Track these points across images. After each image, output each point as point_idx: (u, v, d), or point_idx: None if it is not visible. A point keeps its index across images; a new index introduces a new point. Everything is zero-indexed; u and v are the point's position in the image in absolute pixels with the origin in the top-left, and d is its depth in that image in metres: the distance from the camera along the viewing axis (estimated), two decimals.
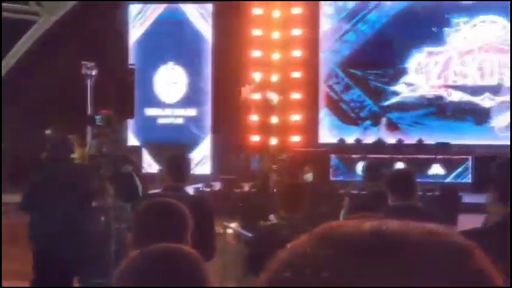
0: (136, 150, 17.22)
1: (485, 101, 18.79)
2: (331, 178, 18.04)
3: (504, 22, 18.75)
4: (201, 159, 19.63)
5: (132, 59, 19.26)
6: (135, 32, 20.01)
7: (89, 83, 12.41)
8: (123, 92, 15.28)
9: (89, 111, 12.16)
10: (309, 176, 9.30)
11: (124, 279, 2.06)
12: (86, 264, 7.00)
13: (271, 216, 5.52)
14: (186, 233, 3.29)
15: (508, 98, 18.57)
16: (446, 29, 19.01)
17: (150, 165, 18.33)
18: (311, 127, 19.53)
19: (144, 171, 17.97)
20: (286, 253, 0.83)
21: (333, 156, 18.31)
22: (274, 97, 18.92)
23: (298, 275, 0.79)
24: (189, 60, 19.82)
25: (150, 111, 19.85)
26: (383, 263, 0.77)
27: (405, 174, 5.78)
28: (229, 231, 8.74)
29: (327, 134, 19.55)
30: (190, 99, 19.95)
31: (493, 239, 3.34)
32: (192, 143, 19.55)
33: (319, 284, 0.77)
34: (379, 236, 0.80)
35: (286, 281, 0.80)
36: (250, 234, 6.08)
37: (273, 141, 19.19)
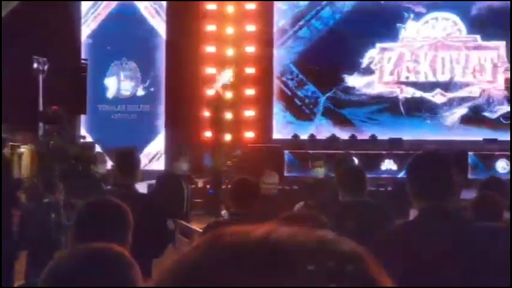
0: (90, 146, 17.06)
1: (437, 97, 19.01)
2: (285, 174, 18.10)
3: (455, 18, 18.99)
4: (155, 154, 19.55)
5: (84, 54, 19.09)
6: (88, 28, 19.83)
7: (40, 78, 12.26)
8: (75, 88, 15.18)
9: (41, 107, 12.02)
10: (320, 172, 9.23)
11: (48, 281, 2.03)
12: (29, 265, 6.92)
13: (224, 213, 5.52)
14: (126, 232, 3.25)
15: (458, 94, 18.82)
16: (398, 26, 19.17)
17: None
18: (265, 123, 19.56)
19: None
20: (173, 262, 0.82)
21: (286, 152, 18.36)
22: (225, 92, 18.89)
23: (181, 284, 0.78)
24: (143, 56, 19.71)
25: (103, 108, 19.70)
26: (267, 274, 0.77)
27: (355, 170, 5.83)
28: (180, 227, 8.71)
29: (281, 129, 19.60)
30: (144, 95, 19.84)
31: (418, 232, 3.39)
32: (146, 139, 19.46)
33: None
34: (266, 246, 0.79)
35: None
36: (200, 230, 6.06)
37: (227, 137, 19.18)
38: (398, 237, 3.45)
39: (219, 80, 18.25)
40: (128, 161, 5.67)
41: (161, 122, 19.69)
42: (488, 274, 3.15)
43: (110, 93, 19.82)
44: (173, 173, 9.25)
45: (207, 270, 0.78)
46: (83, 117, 18.88)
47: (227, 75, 18.49)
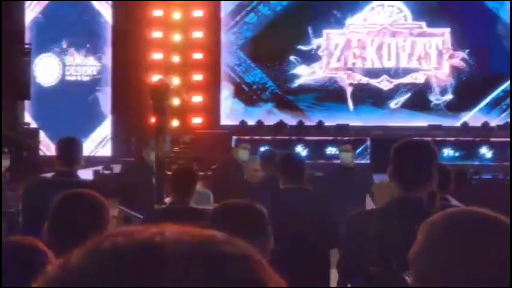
0: (34, 132, 16.85)
1: (383, 83, 19.18)
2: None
3: (400, 5, 19.15)
4: (101, 141, 19.40)
5: (28, 38, 18.80)
6: (32, 12, 19.52)
7: None
8: (18, 72, 14.95)
9: None
10: (346, 156, 8.74)
11: None
12: None
13: (168, 200, 5.50)
14: (103, 224, 3.22)
15: (404, 80, 19.03)
16: (345, 12, 19.26)
17: (48, 148, 17.98)
18: (212, 109, 19.52)
19: (41, 153, 17.64)
20: (55, 266, 0.80)
21: (234, 137, 18.36)
22: (171, 80, 18.74)
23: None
24: (88, 40, 19.49)
25: (48, 93, 19.45)
26: (147, 278, 0.77)
27: (294, 157, 5.86)
28: (124, 214, 8.65)
29: (229, 115, 19.59)
30: (90, 80, 19.64)
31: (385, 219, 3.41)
32: (92, 125, 19.30)
33: None
34: (148, 249, 0.79)
35: None
36: (141, 217, 6.03)
37: (174, 123, 19.09)
38: (368, 223, 3.46)
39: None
40: (68, 148, 5.65)
41: (107, 107, 19.52)
42: None
43: (55, 78, 19.56)
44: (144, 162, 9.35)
45: (89, 275, 0.77)
46: (26, 103, 18.61)
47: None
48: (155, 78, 18.05)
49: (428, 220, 1.53)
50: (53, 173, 5.90)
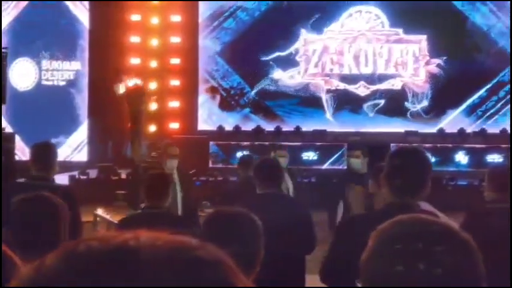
0: (9, 137, 16.73)
1: (360, 89, 19.26)
2: (210, 165, 18.11)
3: (377, 12, 19.25)
4: (78, 145, 19.30)
5: (4, 43, 18.68)
6: (9, 15, 19.40)
7: None
8: None
9: None
10: (356, 163, 8.51)
11: None
12: None
13: (143, 205, 5.48)
14: (59, 225, 3.21)
15: (381, 86, 19.13)
16: (323, 18, 19.32)
17: (23, 152, 17.86)
18: (190, 114, 19.51)
19: (17, 158, 17.51)
20: (30, 268, 0.80)
21: (211, 143, 18.36)
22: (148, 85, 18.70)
23: None
24: (65, 45, 19.40)
25: (24, 97, 19.33)
26: (121, 282, 0.77)
27: (270, 163, 5.87)
28: (99, 219, 8.63)
29: (206, 121, 19.57)
30: (66, 84, 19.55)
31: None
32: (69, 129, 19.21)
33: None
34: (122, 253, 0.79)
35: None
36: (116, 222, 6.01)
37: (152, 128, 19.06)
38: (359, 227, 3.46)
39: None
40: (43, 153, 5.66)
41: (84, 112, 19.43)
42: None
43: (31, 83, 19.44)
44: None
45: (63, 277, 0.78)
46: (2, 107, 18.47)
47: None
48: (131, 83, 18.03)
49: (378, 227, 1.55)
50: (26, 178, 5.90)
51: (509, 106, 18.70)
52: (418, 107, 19.06)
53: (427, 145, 17.64)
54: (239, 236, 2.53)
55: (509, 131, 17.83)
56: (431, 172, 3.58)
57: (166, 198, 5.18)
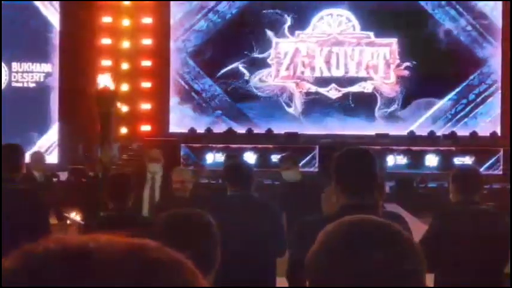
0: None
1: (331, 92, 19.32)
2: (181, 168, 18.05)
3: (348, 15, 19.34)
4: (48, 148, 19.18)
5: None
6: None
7: None
8: None
9: None
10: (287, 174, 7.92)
11: None
12: None
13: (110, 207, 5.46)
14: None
15: (352, 89, 19.21)
16: (295, 21, 19.37)
17: None
18: (161, 116, 19.46)
19: None
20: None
21: (183, 145, 18.32)
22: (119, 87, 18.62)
23: None
24: (36, 46, 19.25)
25: None
26: (76, 283, 0.78)
27: (240, 165, 5.88)
28: (69, 222, 8.58)
29: (178, 123, 19.53)
30: (36, 87, 19.41)
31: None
32: (39, 132, 19.09)
33: None
34: (78, 255, 0.80)
35: None
36: (82, 222, 6.00)
37: (123, 130, 18.99)
38: (313, 230, 3.45)
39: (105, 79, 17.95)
40: (10, 155, 5.60)
41: (55, 114, 19.30)
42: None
43: (1, 84, 19.27)
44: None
45: (19, 277, 0.78)
46: None
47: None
48: (100, 85, 17.93)
49: (324, 228, 1.57)
50: None
51: (478, 109, 18.92)
52: (389, 109, 19.17)
53: (397, 147, 17.76)
54: (191, 236, 2.53)
55: (479, 134, 18.08)
56: (381, 172, 3.61)
57: (129, 200, 5.17)
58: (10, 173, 5.51)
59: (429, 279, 5.07)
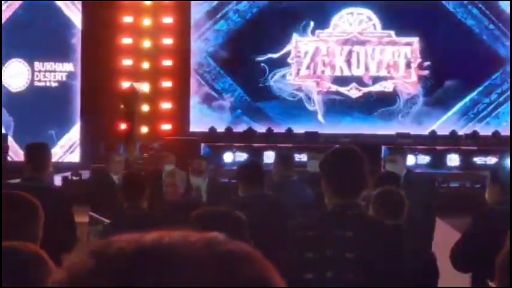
0: (1, 138, 16.74)
1: (352, 91, 19.28)
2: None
3: (369, 14, 19.28)
4: (70, 146, 19.28)
5: None
6: (1, 15, 19.34)
7: None
8: None
9: None
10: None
11: None
12: None
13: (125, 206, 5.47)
14: (34, 224, 3.23)
15: (373, 88, 19.16)
16: (316, 20, 19.34)
17: (16, 153, 17.84)
18: (182, 115, 19.49)
19: (10, 159, 17.51)
20: (59, 272, 0.81)
21: (203, 145, 18.33)
22: (142, 87, 18.67)
23: None
24: (58, 46, 19.36)
25: (17, 98, 19.32)
26: (161, 277, 0.78)
27: (252, 165, 5.88)
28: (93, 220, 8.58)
29: (198, 122, 19.55)
30: (59, 86, 19.52)
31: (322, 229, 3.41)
32: (61, 130, 19.20)
33: None
34: (159, 250, 0.80)
35: None
36: (108, 221, 6.00)
37: (144, 129, 19.04)
38: (307, 230, 3.46)
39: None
40: (37, 154, 5.70)
41: (76, 113, 19.40)
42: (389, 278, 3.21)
43: (23, 84, 19.41)
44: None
45: (98, 279, 0.78)
46: None
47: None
48: (126, 84, 17.99)
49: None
50: (20, 179, 5.94)
51: (501, 108, 18.81)
52: (410, 109, 19.09)
53: (418, 147, 17.69)
54: (226, 232, 2.54)
55: (502, 133, 17.94)
56: (369, 169, 3.60)
57: (144, 199, 5.18)
58: (37, 171, 5.58)
59: (467, 279, 5.06)
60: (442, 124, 18.88)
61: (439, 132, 18.56)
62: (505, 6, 18.76)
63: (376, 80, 19.20)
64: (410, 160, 17.53)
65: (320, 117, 19.29)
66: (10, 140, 17.94)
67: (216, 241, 0.83)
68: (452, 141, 18.11)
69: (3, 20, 19.34)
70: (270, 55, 19.42)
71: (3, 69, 18.91)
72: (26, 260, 2.02)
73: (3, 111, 18.74)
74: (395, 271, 3.23)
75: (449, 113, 19.00)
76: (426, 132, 18.69)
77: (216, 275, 0.79)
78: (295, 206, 5.96)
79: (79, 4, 19.39)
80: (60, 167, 16.19)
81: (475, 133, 18.26)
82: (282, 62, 19.48)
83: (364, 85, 19.21)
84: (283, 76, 19.50)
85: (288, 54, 19.47)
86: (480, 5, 18.91)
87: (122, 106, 17.59)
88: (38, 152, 5.74)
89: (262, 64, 19.44)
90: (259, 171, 5.58)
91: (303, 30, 19.40)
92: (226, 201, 5.82)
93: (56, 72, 19.56)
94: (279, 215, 5.28)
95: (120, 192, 5.40)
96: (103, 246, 0.81)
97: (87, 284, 0.78)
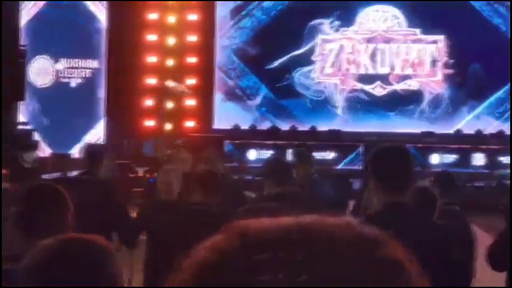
0: (28, 133, 16.83)
1: (376, 89, 19.21)
2: (225, 164, 18.08)
3: (395, 11, 19.21)
4: (95, 142, 19.36)
5: (23, 40, 18.76)
6: (27, 14, 19.48)
7: None
8: (14, 73, 14.91)
9: None
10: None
11: (32, 269, 2.00)
12: None
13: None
14: (66, 215, 3.32)
15: (398, 87, 19.09)
16: (341, 17, 19.29)
17: (41, 149, 17.94)
18: (206, 113, 19.52)
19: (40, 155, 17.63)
20: (204, 251, 0.82)
21: (227, 142, 18.35)
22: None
23: (221, 275, 0.79)
24: (83, 43, 19.46)
25: (42, 94, 19.45)
26: (307, 258, 0.79)
27: (278, 162, 5.88)
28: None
29: (222, 119, 19.57)
30: (84, 82, 19.62)
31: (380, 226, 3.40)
32: (86, 127, 19.30)
33: (244, 284, 0.77)
34: (301, 232, 0.81)
35: (207, 282, 0.79)
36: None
37: (168, 126, 19.11)
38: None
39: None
40: (92, 152, 6.74)
41: (101, 110, 19.50)
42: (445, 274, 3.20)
43: (49, 80, 19.53)
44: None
45: (244, 258, 0.79)
46: (21, 104, 18.57)
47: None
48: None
49: None
50: (79, 173, 7.10)
51: None
52: (435, 107, 18.99)
53: (443, 146, 17.61)
54: None
55: None
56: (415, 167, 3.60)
57: (217, 196, 5.21)
58: (91, 167, 6.57)
59: (502, 277, 5.05)
60: (468, 123, 18.76)
61: (464, 131, 18.45)
62: None
63: (401, 78, 19.12)
64: (435, 159, 17.49)
65: (344, 115, 19.23)
66: (36, 136, 18.05)
67: (355, 223, 0.84)
68: (478, 140, 18.01)
69: (29, 17, 19.47)
70: (294, 53, 19.39)
71: (30, 66, 19.04)
72: (100, 253, 2.05)
73: (29, 107, 18.87)
74: (445, 270, 3.22)
75: (475, 112, 18.87)
76: (451, 131, 18.59)
77: (361, 255, 0.80)
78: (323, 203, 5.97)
79: (104, 1, 19.47)
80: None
81: (500, 132, 18.14)
82: (306, 60, 19.46)
83: (389, 83, 19.14)
84: (308, 74, 19.47)
85: (312, 51, 19.44)
86: (507, 4, 18.77)
87: (152, 102, 17.67)
88: (93, 150, 6.82)
89: (286, 62, 19.42)
90: (286, 168, 5.59)
91: (328, 28, 19.35)
92: (236, 198, 5.85)
93: (81, 68, 19.66)
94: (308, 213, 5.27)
95: (194, 186, 5.42)
96: (242, 226, 0.83)
97: (231, 261, 0.79)
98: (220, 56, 19.79)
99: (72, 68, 19.65)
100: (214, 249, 0.81)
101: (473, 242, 5.48)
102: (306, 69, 19.45)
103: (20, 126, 14.51)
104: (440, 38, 18.99)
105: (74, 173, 7.41)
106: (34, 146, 9.81)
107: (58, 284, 1.97)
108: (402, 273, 0.82)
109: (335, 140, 18.33)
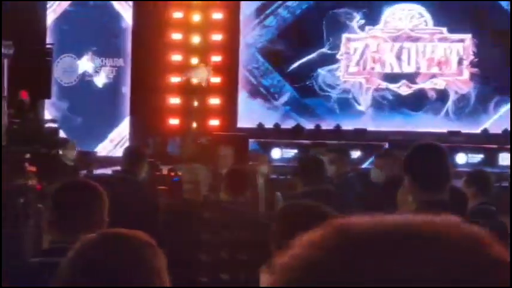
0: (54, 131, 16.91)
1: (402, 88, 19.13)
2: (250, 163, 18.08)
3: (421, 10, 19.11)
4: (120, 141, 19.45)
5: (50, 39, 18.87)
6: (54, 12, 19.61)
7: (5, 62, 12.06)
8: (40, 72, 15.01)
9: (5, 92, 11.84)
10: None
11: (75, 264, 2.00)
12: None
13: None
14: (102, 212, 3.34)
15: (424, 85, 19.00)
16: (366, 16, 19.23)
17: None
18: (230, 111, 19.54)
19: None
20: (302, 249, 0.80)
21: (251, 140, 18.35)
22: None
23: (322, 274, 0.76)
24: (108, 41, 19.55)
25: (67, 92, 19.56)
26: (416, 258, 0.78)
27: (314, 159, 5.87)
28: None
29: (246, 118, 19.57)
30: (109, 81, 19.71)
31: None
32: (111, 125, 19.40)
33: (348, 284, 0.75)
34: (404, 231, 0.80)
35: (309, 281, 0.77)
36: None
37: (193, 124, 19.15)
38: None
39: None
40: (133, 152, 7.15)
41: (126, 108, 19.58)
42: None
43: (74, 79, 19.64)
44: None
45: (345, 256, 0.79)
46: (46, 102, 18.68)
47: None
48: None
49: None
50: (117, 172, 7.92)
51: None
52: (462, 106, 18.88)
53: (470, 145, 17.50)
54: (313, 226, 2.53)
55: None
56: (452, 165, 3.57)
57: (245, 194, 5.22)
58: (130, 166, 6.93)
59: None
60: (495, 122, 18.62)
61: (492, 131, 18.33)
62: None
63: (427, 77, 19.02)
64: (461, 159, 17.37)
65: (369, 114, 19.17)
66: (61, 134, 18.15)
67: (457, 222, 0.83)
68: (505, 139, 17.87)
69: (55, 17, 19.58)
70: (319, 51, 19.35)
71: (55, 64, 19.14)
72: (144, 247, 2.04)
73: (55, 105, 18.98)
74: None
75: (502, 111, 18.72)
76: (478, 130, 18.47)
77: (466, 255, 0.79)
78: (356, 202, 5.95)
79: (130, 1, 19.55)
80: (110, 161, 16.33)
81: None
82: (331, 59, 19.40)
83: (415, 82, 19.04)
84: (332, 73, 19.42)
85: (337, 50, 19.38)
86: None
87: (178, 100, 17.70)
88: (136, 151, 7.26)
89: (311, 60, 19.38)
90: (320, 165, 5.59)
91: (353, 27, 19.29)
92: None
93: (106, 67, 19.75)
94: (336, 208, 5.27)
95: (224, 185, 5.45)
96: (342, 224, 0.82)
97: (331, 258, 0.78)
98: (244, 55, 19.79)
99: (98, 66, 19.74)
100: (311, 246, 0.80)
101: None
102: (330, 67, 19.40)
103: (47, 124, 14.55)
104: (467, 36, 18.87)
105: (107, 171, 7.63)
106: (63, 143, 9.84)
107: (104, 277, 1.97)
108: (508, 273, 0.80)
109: (360, 139, 18.27)
